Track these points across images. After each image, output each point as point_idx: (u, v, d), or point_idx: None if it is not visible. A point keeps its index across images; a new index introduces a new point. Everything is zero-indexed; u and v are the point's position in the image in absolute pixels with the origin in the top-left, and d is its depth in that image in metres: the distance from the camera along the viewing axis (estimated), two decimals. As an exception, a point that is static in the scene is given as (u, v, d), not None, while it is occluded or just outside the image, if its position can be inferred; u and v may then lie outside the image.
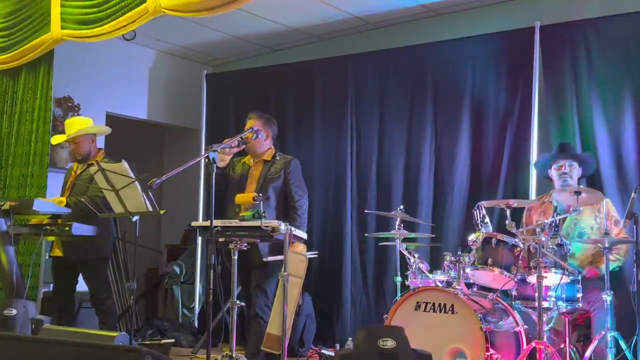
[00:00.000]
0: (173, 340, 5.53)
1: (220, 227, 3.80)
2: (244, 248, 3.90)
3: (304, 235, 4.13)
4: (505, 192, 5.10)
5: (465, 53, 5.44)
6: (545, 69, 5.05)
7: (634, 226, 3.76)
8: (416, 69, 5.68)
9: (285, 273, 3.69)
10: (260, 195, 3.85)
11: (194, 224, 4.11)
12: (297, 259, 3.92)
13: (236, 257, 3.86)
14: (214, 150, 3.69)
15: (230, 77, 6.86)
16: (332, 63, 6.14)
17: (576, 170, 4.42)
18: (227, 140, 4.12)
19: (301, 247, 4.27)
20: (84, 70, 6.38)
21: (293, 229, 3.80)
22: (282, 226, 3.69)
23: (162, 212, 4.03)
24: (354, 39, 6.29)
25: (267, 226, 3.68)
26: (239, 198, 4.06)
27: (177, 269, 6.75)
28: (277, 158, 4.49)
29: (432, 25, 5.87)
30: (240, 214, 3.94)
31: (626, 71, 4.77)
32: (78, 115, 6.11)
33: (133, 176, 3.92)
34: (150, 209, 3.95)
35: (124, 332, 3.80)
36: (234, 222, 3.83)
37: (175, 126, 7.41)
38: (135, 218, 3.99)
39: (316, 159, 6.05)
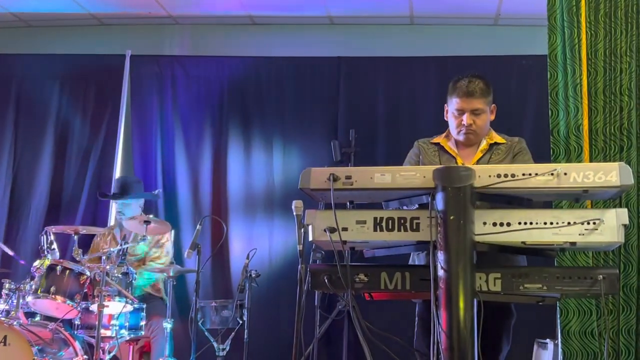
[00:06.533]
0: None
1: None
2: None
3: None
4: (84, 218, 4.99)
5: (54, 70, 5.25)
6: (133, 99, 5.11)
7: (197, 256, 3.99)
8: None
9: None
10: None
11: None
12: None
13: None
14: None
15: None
16: None
17: (131, 208, 4.34)
18: None
19: None
20: None
21: None
22: None
23: None
24: None
25: None
26: None
27: None
28: None
29: (24, 36, 5.49)
30: None
31: (208, 111, 5.13)
32: None
33: None
34: None
35: None
36: None
37: None
38: None
39: None
